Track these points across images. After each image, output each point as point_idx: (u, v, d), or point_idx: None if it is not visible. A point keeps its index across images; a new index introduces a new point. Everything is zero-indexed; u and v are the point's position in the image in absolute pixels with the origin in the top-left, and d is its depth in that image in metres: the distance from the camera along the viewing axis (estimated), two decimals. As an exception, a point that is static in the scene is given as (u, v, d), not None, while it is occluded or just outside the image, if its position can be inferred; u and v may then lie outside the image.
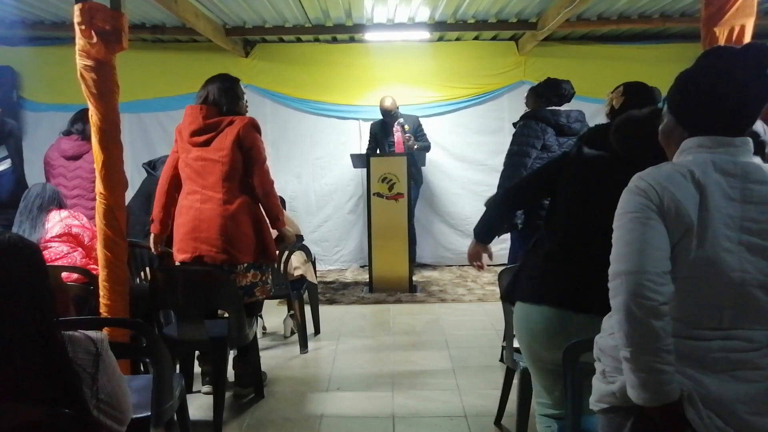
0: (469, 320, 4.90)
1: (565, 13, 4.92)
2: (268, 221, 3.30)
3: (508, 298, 2.36)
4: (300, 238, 4.48)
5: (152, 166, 4.41)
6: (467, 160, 6.73)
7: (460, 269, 6.71)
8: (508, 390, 3.02)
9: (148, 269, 3.83)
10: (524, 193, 2.46)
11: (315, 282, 4.54)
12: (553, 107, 3.76)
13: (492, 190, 4.32)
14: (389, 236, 5.68)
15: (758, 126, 2.22)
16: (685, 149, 1.49)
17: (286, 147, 6.77)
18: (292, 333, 4.50)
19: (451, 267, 6.81)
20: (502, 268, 2.89)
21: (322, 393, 3.52)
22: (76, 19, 2.87)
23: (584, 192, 2.12)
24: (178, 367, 3.26)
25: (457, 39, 6.71)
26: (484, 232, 2.54)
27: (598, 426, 1.57)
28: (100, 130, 2.96)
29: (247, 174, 3.21)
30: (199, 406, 3.32)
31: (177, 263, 3.30)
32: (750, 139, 1.48)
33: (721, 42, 2.79)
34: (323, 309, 4.86)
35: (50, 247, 3.29)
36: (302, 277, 4.37)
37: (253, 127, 3.20)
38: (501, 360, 3.79)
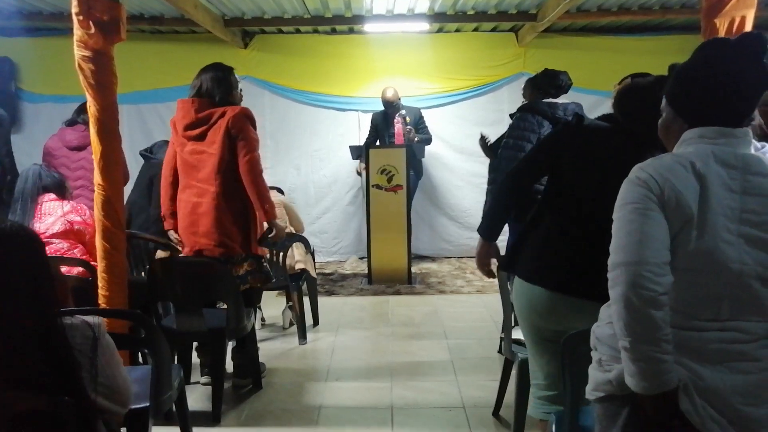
0: (468, 312, 4.90)
1: (565, 5, 4.91)
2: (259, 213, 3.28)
3: (506, 268, 2.36)
4: (302, 238, 4.45)
5: (150, 151, 4.41)
6: (466, 152, 6.71)
7: (459, 261, 6.72)
8: (507, 381, 3.02)
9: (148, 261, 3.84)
10: (526, 173, 2.33)
11: (314, 274, 4.55)
12: (550, 99, 3.74)
13: (491, 181, 4.30)
14: (388, 228, 5.68)
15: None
16: (686, 140, 1.49)
17: (285, 138, 6.76)
18: (291, 324, 4.50)
19: (449, 259, 6.82)
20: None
21: (321, 384, 3.53)
22: (74, 9, 2.85)
23: (583, 167, 2.09)
24: (176, 358, 3.26)
25: (457, 30, 6.69)
26: (491, 228, 2.41)
27: (595, 415, 1.58)
28: (98, 121, 2.94)
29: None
30: (198, 397, 3.33)
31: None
32: (750, 130, 1.48)
33: (722, 33, 2.78)
34: (322, 300, 4.86)
35: (51, 244, 3.24)
36: (302, 269, 4.38)
37: (245, 116, 3.16)
38: (499, 351, 3.80)
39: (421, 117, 6.27)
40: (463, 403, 3.24)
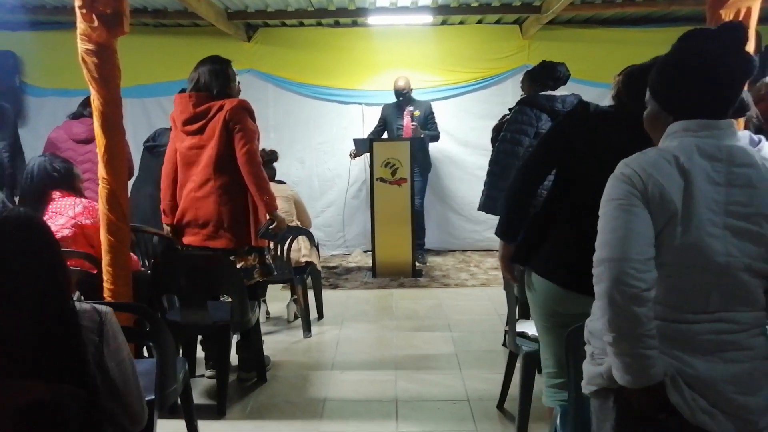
0: (472, 305, 4.90)
1: (570, -4, 4.88)
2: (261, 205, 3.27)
3: (519, 261, 2.31)
4: (306, 231, 4.45)
5: (153, 140, 4.41)
6: (470, 145, 6.71)
7: (463, 254, 6.72)
8: (511, 374, 3.03)
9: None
10: (536, 167, 2.28)
11: (319, 268, 4.55)
12: (549, 92, 3.73)
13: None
14: (392, 221, 5.68)
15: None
16: (671, 133, 1.49)
17: (289, 132, 6.76)
18: (296, 318, 4.51)
19: (454, 252, 6.82)
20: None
21: (326, 377, 3.54)
22: (77, 3, 2.84)
23: (595, 152, 2.07)
24: (181, 351, 3.27)
25: (461, 23, 6.65)
26: (511, 228, 2.32)
27: (591, 408, 1.59)
28: (102, 114, 2.94)
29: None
30: (203, 390, 3.34)
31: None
32: (734, 121, 1.49)
33: (727, 25, 2.76)
34: (326, 294, 4.87)
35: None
36: (307, 263, 4.38)
37: (243, 108, 3.15)
38: (504, 344, 3.80)
39: (432, 112, 6.23)
40: (467, 396, 3.25)
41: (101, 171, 3.00)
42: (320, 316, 4.60)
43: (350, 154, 6.09)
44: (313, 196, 6.74)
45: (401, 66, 6.57)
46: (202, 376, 3.49)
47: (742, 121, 2.51)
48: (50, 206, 3.09)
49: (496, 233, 2.39)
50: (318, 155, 6.82)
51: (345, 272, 6.06)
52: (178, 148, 3.25)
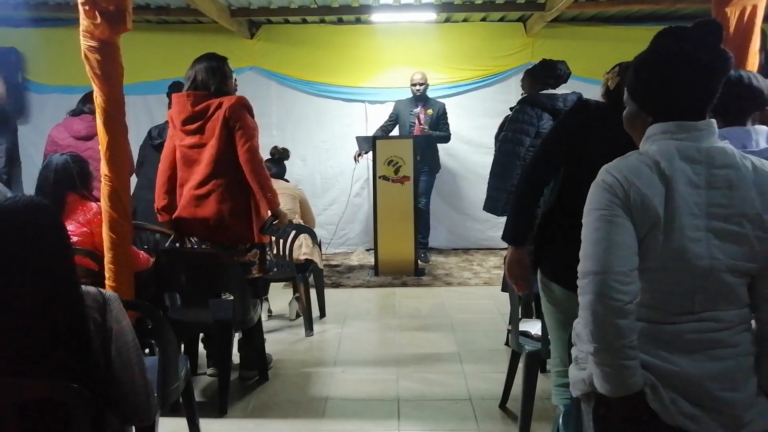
0: (475, 304, 4.89)
1: (574, -6, 4.85)
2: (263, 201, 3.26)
3: (533, 265, 2.28)
4: (308, 229, 4.44)
5: (160, 135, 4.40)
6: (473, 143, 6.69)
7: (466, 253, 6.70)
8: (513, 374, 3.02)
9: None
10: (542, 169, 2.24)
11: (321, 266, 4.54)
12: (550, 90, 3.71)
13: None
14: (395, 219, 5.66)
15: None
16: (650, 136, 1.49)
17: (292, 129, 6.74)
18: (298, 316, 4.50)
19: (456, 251, 6.80)
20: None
21: (328, 376, 3.53)
22: (80, -1, 2.84)
23: (604, 147, 2.05)
24: (182, 349, 3.27)
25: (465, 20, 6.64)
26: (519, 232, 2.25)
27: (582, 412, 1.62)
28: (104, 111, 2.94)
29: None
30: (204, 388, 3.34)
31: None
32: (714, 121, 1.48)
33: (733, 23, 2.74)
34: (328, 292, 4.86)
35: None
36: (309, 261, 4.37)
37: (242, 105, 3.15)
38: (506, 344, 3.79)
39: (445, 112, 6.15)
40: (469, 395, 3.24)
41: (103, 168, 3.00)
42: (322, 314, 4.59)
43: (354, 157, 6.06)
44: (315, 194, 6.73)
45: (405, 63, 6.55)
46: (204, 374, 3.49)
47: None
48: (65, 207, 3.04)
49: (503, 238, 2.32)
50: (320, 153, 6.80)
51: (347, 270, 6.05)
52: (178, 147, 3.24)
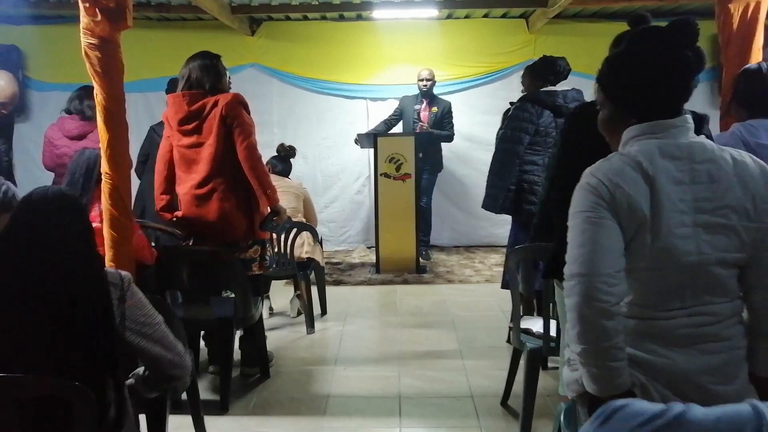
0: (476, 301, 4.88)
1: (576, -10, 4.84)
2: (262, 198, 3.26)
3: (548, 275, 2.39)
4: (309, 227, 4.42)
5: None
6: (475, 140, 6.67)
7: (468, 250, 6.70)
8: (515, 371, 3.01)
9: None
10: (569, 178, 2.26)
11: (322, 264, 4.54)
12: (549, 87, 3.70)
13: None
14: (396, 217, 5.65)
15: None
16: (630, 138, 1.50)
17: (293, 127, 6.73)
18: (299, 313, 4.50)
19: (458, 248, 6.79)
20: (509, 250, 2.86)
21: (329, 373, 3.53)
22: (80, -4, 2.83)
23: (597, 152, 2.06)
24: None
25: (467, 17, 6.62)
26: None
27: (579, 412, 1.64)
28: (105, 109, 2.93)
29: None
30: (206, 385, 3.33)
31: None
32: (689, 116, 1.49)
33: (736, 19, 2.73)
34: (330, 290, 4.85)
35: None
36: (310, 259, 4.37)
37: (238, 102, 3.14)
38: (508, 341, 3.79)
39: (450, 111, 6.12)
40: (471, 392, 3.23)
41: (104, 166, 2.99)
42: (323, 312, 4.59)
43: (355, 141, 5.99)
44: (316, 192, 6.72)
45: (406, 60, 6.54)
46: (205, 371, 3.48)
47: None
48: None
49: (544, 276, 2.42)
50: (322, 150, 6.79)
51: (348, 268, 6.05)
52: (176, 148, 3.24)
